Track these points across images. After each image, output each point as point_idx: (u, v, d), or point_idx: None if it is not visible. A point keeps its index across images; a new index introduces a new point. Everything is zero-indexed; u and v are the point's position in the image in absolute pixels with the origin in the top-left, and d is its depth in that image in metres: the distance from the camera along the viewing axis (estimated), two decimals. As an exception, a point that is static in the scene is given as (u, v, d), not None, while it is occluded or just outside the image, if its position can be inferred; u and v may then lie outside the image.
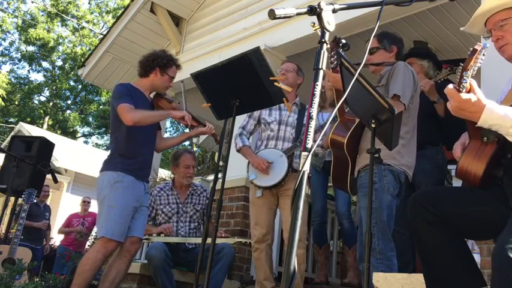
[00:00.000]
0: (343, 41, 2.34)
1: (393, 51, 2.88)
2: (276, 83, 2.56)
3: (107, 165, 3.15)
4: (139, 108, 3.14)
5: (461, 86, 1.44)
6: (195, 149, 13.36)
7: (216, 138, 3.42)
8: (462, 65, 1.43)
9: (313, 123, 1.32)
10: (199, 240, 3.65)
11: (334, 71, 2.58)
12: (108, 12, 24.91)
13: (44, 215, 7.16)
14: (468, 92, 1.46)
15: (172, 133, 21.99)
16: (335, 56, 2.51)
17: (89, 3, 25.17)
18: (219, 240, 3.54)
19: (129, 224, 3.08)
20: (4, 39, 24.12)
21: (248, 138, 3.67)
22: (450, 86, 1.47)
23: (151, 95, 3.42)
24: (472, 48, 1.42)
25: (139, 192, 3.16)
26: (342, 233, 4.28)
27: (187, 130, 3.43)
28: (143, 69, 3.31)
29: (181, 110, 3.31)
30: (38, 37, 22.73)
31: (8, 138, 12.59)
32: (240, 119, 3.68)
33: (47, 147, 5.56)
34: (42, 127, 21.06)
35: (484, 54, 1.42)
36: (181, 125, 3.45)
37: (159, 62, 3.28)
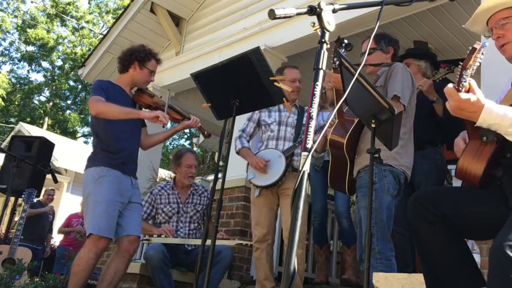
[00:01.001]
0: (346, 41, 2.34)
1: (390, 53, 2.90)
2: (276, 83, 2.56)
3: (90, 162, 3.10)
4: (119, 104, 3.07)
5: (461, 85, 1.44)
6: (195, 149, 13.36)
7: (202, 131, 3.39)
8: (461, 64, 1.43)
9: (313, 123, 1.32)
10: (199, 241, 3.65)
11: (336, 72, 2.58)
12: (108, 12, 24.91)
13: (47, 217, 7.17)
14: (467, 91, 1.46)
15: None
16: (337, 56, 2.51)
17: (88, 3, 25.15)
18: (218, 242, 3.53)
19: (117, 220, 3.01)
20: (4, 39, 24.14)
21: (248, 141, 3.68)
22: (450, 85, 1.47)
23: (133, 91, 3.35)
24: (471, 47, 1.41)
25: (125, 187, 3.10)
26: (340, 232, 4.29)
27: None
28: (122, 64, 3.28)
29: (164, 105, 3.24)
30: (37, 37, 22.73)
31: (8, 138, 12.59)
32: (240, 119, 3.69)
33: (47, 147, 5.56)
34: (42, 127, 21.06)
35: (483, 53, 1.42)
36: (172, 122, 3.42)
37: (137, 56, 3.24)
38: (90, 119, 3.32)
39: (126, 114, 3.06)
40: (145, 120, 3.32)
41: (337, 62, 2.45)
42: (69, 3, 23.93)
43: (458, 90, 1.44)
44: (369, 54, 2.85)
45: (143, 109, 3.30)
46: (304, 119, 3.65)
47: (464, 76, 1.42)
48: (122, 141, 3.14)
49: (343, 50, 2.27)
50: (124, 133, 3.14)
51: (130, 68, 3.26)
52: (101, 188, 2.98)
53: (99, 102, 2.99)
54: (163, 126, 3.18)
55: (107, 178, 3.01)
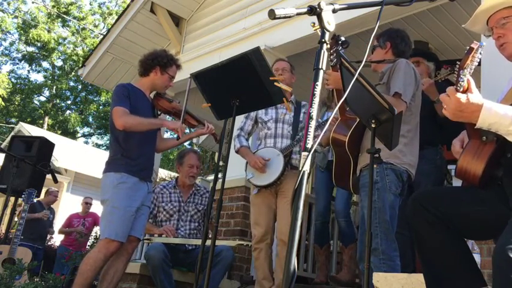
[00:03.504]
0: (343, 38, 2.33)
1: (387, 47, 2.86)
2: (276, 83, 2.56)
3: (110, 167, 3.14)
4: (140, 109, 3.13)
5: (459, 85, 1.44)
6: (195, 148, 13.36)
7: (215, 137, 3.43)
8: (459, 63, 1.43)
9: (313, 123, 1.32)
10: (200, 241, 3.65)
11: (334, 70, 2.57)
12: (110, 14, 24.89)
13: (48, 216, 7.17)
14: (466, 90, 1.46)
15: (173, 133, 21.97)
16: (334, 54, 2.50)
17: (90, 4, 25.12)
18: (219, 242, 3.54)
19: (131, 225, 3.08)
20: (4, 40, 24.13)
21: (247, 139, 3.68)
22: (447, 89, 1.48)
23: (151, 95, 3.41)
24: (468, 47, 1.42)
25: (142, 193, 3.16)
26: (339, 232, 4.31)
27: (187, 131, 3.44)
28: (143, 68, 3.31)
29: (181, 110, 3.30)
30: (38, 38, 22.71)
31: (8, 138, 12.59)
32: (240, 119, 3.69)
33: (47, 147, 5.56)
34: (42, 127, 21.04)
35: (480, 53, 1.42)
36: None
37: (160, 61, 3.28)
38: (110, 124, 3.38)
39: (152, 126, 3.19)
40: None
41: (335, 60, 2.45)
42: (71, 3, 23.93)
43: (457, 90, 1.45)
44: (371, 52, 2.86)
45: (164, 116, 3.40)
46: (301, 115, 3.65)
47: (461, 76, 1.43)
48: (142, 146, 3.19)
49: (340, 48, 2.26)
50: (143, 138, 3.18)
51: (151, 72, 3.29)
52: (120, 194, 3.03)
53: (126, 117, 3.03)
54: (177, 138, 3.27)
55: (126, 185, 3.06)
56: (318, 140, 1.30)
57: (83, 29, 24.22)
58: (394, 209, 2.55)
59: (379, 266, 2.39)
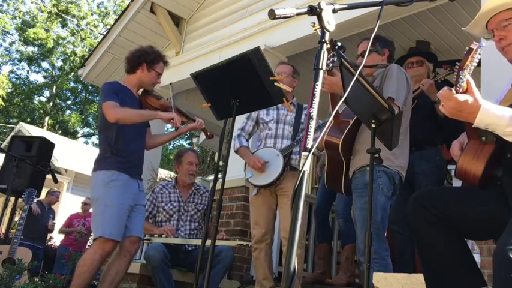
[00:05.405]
0: (339, 43, 2.34)
1: (385, 54, 2.92)
2: (276, 83, 2.56)
3: (100, 165, 3.10)
4: (128, 106, 3.08)
5: (458, 86, 1.44)
6: (195, 148, 13.36)
7: (206, 133, 3.41)
8: (458, 64, 1.43)
9: (313, 123, 1.32)
10: (199, 242, 3.64)
11: (329, 74, 2.59)
12: (107, 14, 24.87)
13: (48, 216, 7.17)
14: (465, 91, 1.46)
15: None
16: (331, 59, 2.51)
17: (87, 4, 25.07)
18: (219, 243, 3.53)
19: (125, 223, 3.04)
20: (4, 40, 24.14)
21: (247, 140, 3.69)
22: (444, 88, 1.47)
23: (139, 92, 3.35)
24: (468, 48, 1.42)
25: (134, 190, 3.13)
26: (338, 231, 4.32)
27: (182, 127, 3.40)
28: (130, 65, 3.25)
29: (171, 107, 3.25)
30: (36, 37, 22.70)
31: (8, 138, 12.58)
32: (240, 119, 3.69)
33: (47, 147, 5.57)
34: (42, 127, 21.04)
35: (480, 53, 1.42)
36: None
37: (146, 58, 3.22)
38: (99, 122, 3.24)
39: (146, 117, 3.12)
40: (149, 121, 3.34)
41: (331, 65, 2.46)
42: (71, 2, 23.92)
43: (456, 91, 1.45)
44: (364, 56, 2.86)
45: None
46: (303, 117, 3.66)
47: (461, 76, 1.43)
48: (131, 144, 3.15)
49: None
50: (133, 135, 3.14)
51: (138, 70, 3.24)
52: (112, 192, 2.99)
53: (117, 109, 2.98)
54: (176, 129, 3.20)
55: (118, 182, 3.02)
56: (316, 143, 1.30)
57: (83, 29, 24.21)
58: (386, 210, 2.59)
59: (372, 265, 2.41)
